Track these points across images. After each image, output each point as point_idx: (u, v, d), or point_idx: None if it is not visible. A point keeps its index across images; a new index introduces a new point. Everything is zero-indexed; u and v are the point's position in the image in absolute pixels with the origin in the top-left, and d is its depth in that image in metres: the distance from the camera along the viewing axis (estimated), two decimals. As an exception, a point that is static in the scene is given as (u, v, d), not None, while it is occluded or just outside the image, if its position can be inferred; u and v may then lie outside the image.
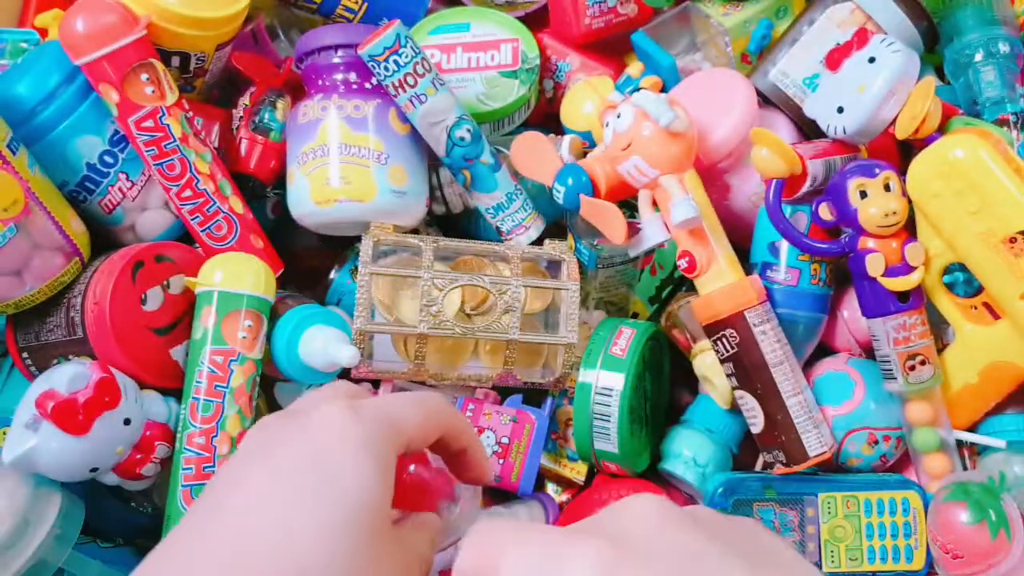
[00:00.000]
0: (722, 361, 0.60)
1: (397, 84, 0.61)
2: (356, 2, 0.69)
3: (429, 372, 0.62)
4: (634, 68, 0.69)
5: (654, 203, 0.58)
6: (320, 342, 0.59)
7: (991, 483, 0.55)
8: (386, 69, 0.60)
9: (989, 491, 0.55)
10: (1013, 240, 0.53)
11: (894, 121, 0.57)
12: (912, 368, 0.58)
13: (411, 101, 0.61)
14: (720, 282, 0.58)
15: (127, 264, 0.57)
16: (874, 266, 0.56)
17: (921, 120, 0.55)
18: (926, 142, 0.56)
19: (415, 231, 0.66)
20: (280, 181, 0.66)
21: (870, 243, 0.57)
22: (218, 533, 0.29)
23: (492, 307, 0.61)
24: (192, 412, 0.56)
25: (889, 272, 0.56)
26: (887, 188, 0.56)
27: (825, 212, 0.58)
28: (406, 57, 0.60)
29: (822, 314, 0.62)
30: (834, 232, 0.60)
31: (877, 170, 0.57)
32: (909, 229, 0.57)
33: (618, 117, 0.57)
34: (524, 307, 0.61)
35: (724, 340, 0.58)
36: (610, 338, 0.63)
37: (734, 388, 0.60)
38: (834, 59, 0.59)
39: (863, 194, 0.56)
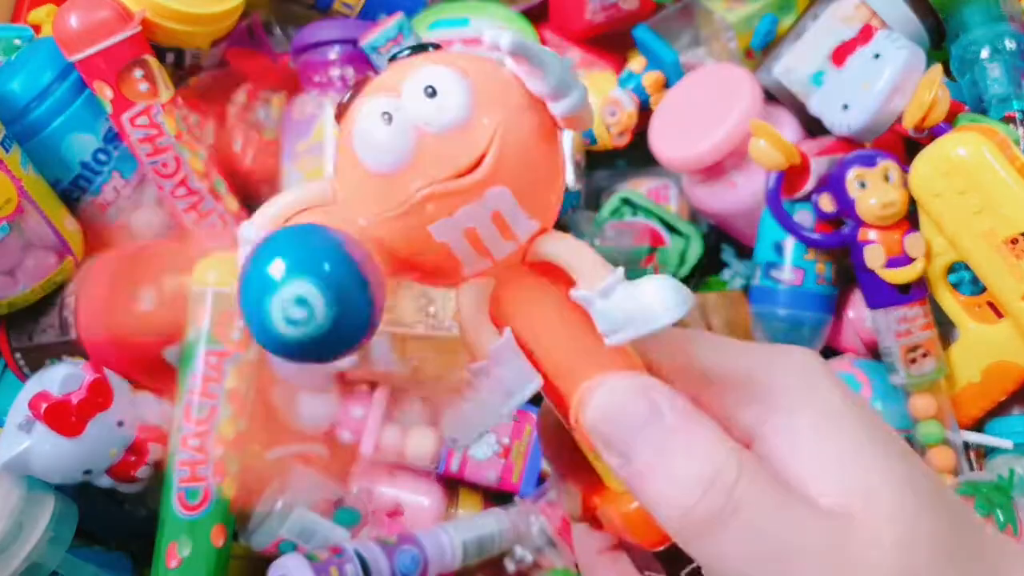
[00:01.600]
0: None
1: (398, 78, 0.60)
2: (354, -3, 0.69)
3: (428, 374, 0.61)
4: (636, 63, 0.68)
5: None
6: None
7: (1001, 480, 0.55)
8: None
9: (999, 488, 0.54)
10: (1015, 241, 0.52)
11: (899, 118, 0.57)
12: (913, 361, 0.57)
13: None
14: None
15: (121, 263, 0.56)
16: (873, 257, 0.56)
17: (928, 108, 0.55)
18: (933, 133, 0.55)
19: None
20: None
21: (870, 234, 0.56)
22: None
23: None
24: (186, 414, 0.55)
25: (889, 263, 0.56)
26: (886, 178, 0.56)
27: (826, 203, 0.58)
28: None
29: (827, 314, 0.62)
30: (837, 223, 0.59)
31: (877, 160, 0.56)
32: (911, 220, 0.57)
33: (430, 95, 0.24)
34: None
35: None
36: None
37: None
38: (839, 55, 0.58)
39: (862, 184, 0.56)
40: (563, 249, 0.25)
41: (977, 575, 0.23)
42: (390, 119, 0.23)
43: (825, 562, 0.22)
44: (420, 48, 0.25)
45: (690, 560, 0.24)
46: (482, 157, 0.23)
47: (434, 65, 0.24)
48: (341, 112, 0.25)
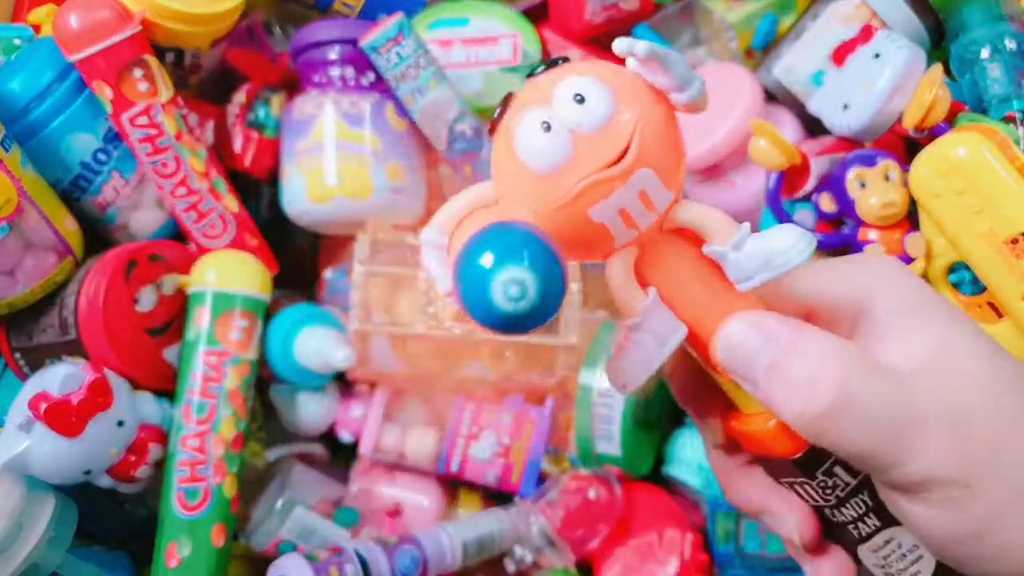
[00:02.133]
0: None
1: (398, 76, 0.60)
2: (354, -3, 0.68)
3: (427, 374, 0.61)
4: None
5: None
6: (315, 343, 0.58)
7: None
8: (387, 61, 0.60)
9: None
10: (1015, 241, 0.52)
11: (900, 118, 0.56)
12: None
13: (412, 94, 0.61)
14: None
15: (120, 263, 0.56)
16: (873, 258, 0.56)
17: (928, 108, 0.55)
18: (933, 133, 0.55)
19: (413, 229, 0.66)
20: (275, 179, 0.65)
21: (870, 234, 0.56)
22: None
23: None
24: (186, 414, 0.55)
25: (890, 263, 0.56)
26: (887, 178, 0.56)
27: (826, 203, 0.58)
28: (408, 49, 0.60)
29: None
30: (837, 224, 0.59)
31: (877, 160, 0.56)
32: (911, 220, 0.57)
33: (579, 101, 0.28)
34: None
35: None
36: (612, 340, 0.62)
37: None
38: (839, 55, 0.58)
39: (862, 184, 0.56)
40: (696, 213, 0.30)
41: None
42: (548, 127, 0.28)
43: (938, 428, 0.27)
44: (553, 64, 0.29)
45: (823, 463, 0.31)
46: (627, 147, 0.28)
47: (576, 76, 0.28)
48: (493, 127, 0.29)
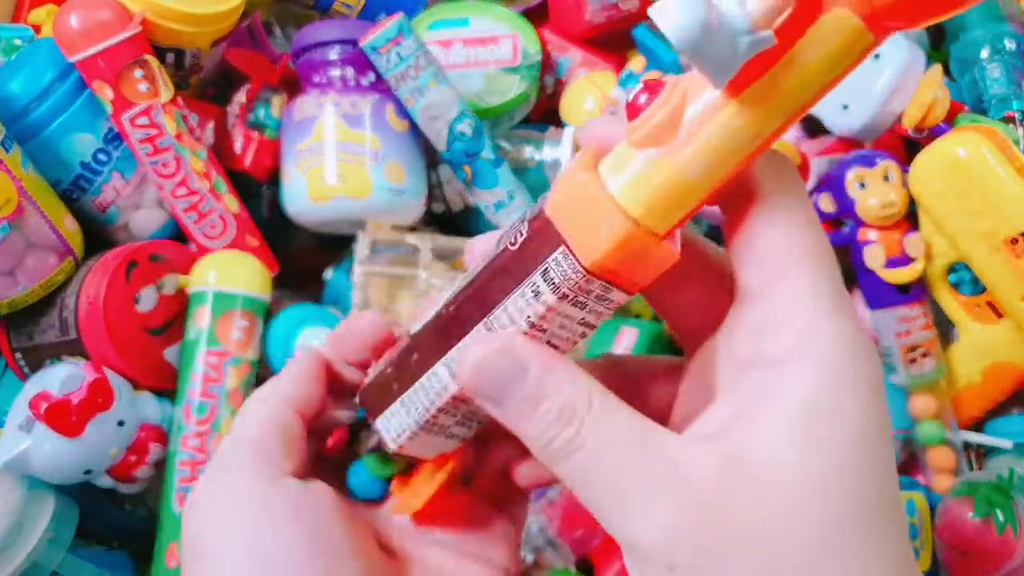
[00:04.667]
0: None
1: (398, 77, 0.60)
2: (354, -3, 0.69)
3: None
4: (636, 64, 0.69)
5: None
6: (316, 343, 0.58)
7: (1000, 480, 0.55)
8: (387, 61, 0.60)
9: (998, 488, 0.54)
10: (1015, 241, 0.52)
11: (899, 118, 0.57)
12: (913, 361, 0.57)
13: (412, 94, 0.61)
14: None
15: (121, 263, 0.56)
16: (872, 258, 0.56)
17: (928, 109, 0.55)
18: (933, 133, 0.56)
19: (413, 230, 0.66)
20: (276, 179, 0.65)
21: (870, 234, 0.56)
22: None
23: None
24: (186, 414, 0.55)
25: (889, 263, 0.56)
26: (886, 178, 0.56)
27: (826, 203, 0.58)
28: (408, 49, 0.60)
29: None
30: (836, 224, 0.59)
31: (877, 160, 0.56)
32: (911, 220, 0.57)
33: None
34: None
35: None
36: (612, 338, 0.62)
37: None
38: (838, 55, 0.58)
39: (862, 184, 0.56)
40: None
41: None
42: None
43: (665, 492, 0.23)
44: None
45: None
46: None
47: None
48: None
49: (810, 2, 0.20)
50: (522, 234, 0.24)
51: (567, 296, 0.24)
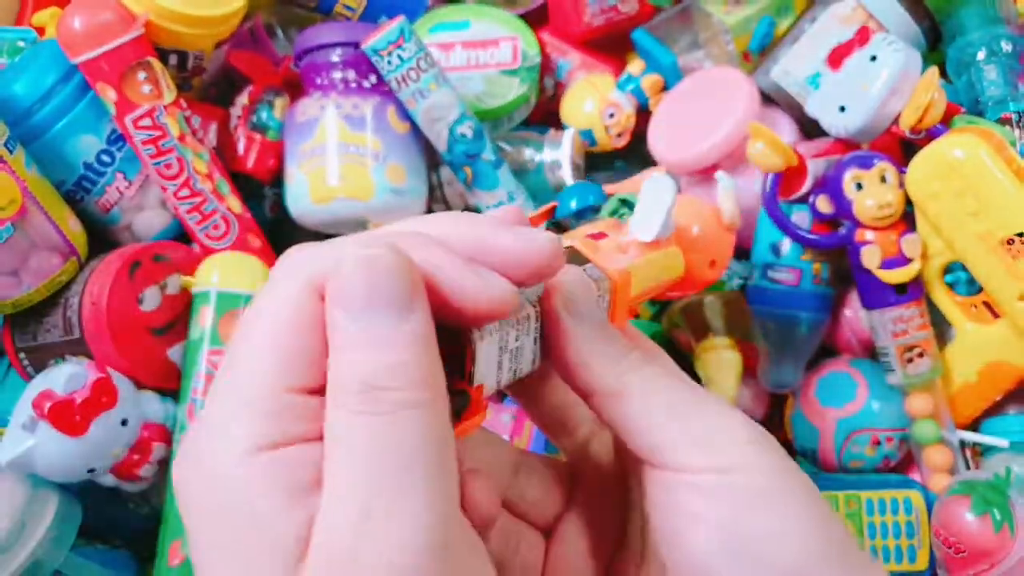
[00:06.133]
0: None
1: (400, 79, 0.60)
2: None
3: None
4: (635, 66, 0.69)
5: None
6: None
7: (997, 479, 0.55)
8: (389, 64, 0.60)
9: (995, 487, 0.55)
10: (1011, 241, 0.53)
11: (896, 120, 0.57)
12: (910, 360, 0.58)
13: (414, 96, 0.61)
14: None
15: (124, 264, 0.57)
16: (869, 258, 0.56)
17: (924, 110, 0.55)
18: (930, 134, 0.56)
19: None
20: (278, 180, 0.66)
21: (867, 235, 0.57)
22: None
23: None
24: (189, 413, 0.56)
25: (886, 264, 0.56)
26: (883, 180, 0.56)
27: (823, 204, 0.58)
28: (409, 52, 0.60)
29: (824, 315, 0.62)
30: (834, 225, 0.59)
31: (874, 161, 0.56)
32: (907, 221, 0.57)
33: None
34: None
35: None
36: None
37: None
38: (836, 58, 0.59)
39: (859, 186, 0.56)
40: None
41: None
42: None
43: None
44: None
45: None
46: None
47: None
48: None
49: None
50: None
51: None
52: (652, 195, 0.32)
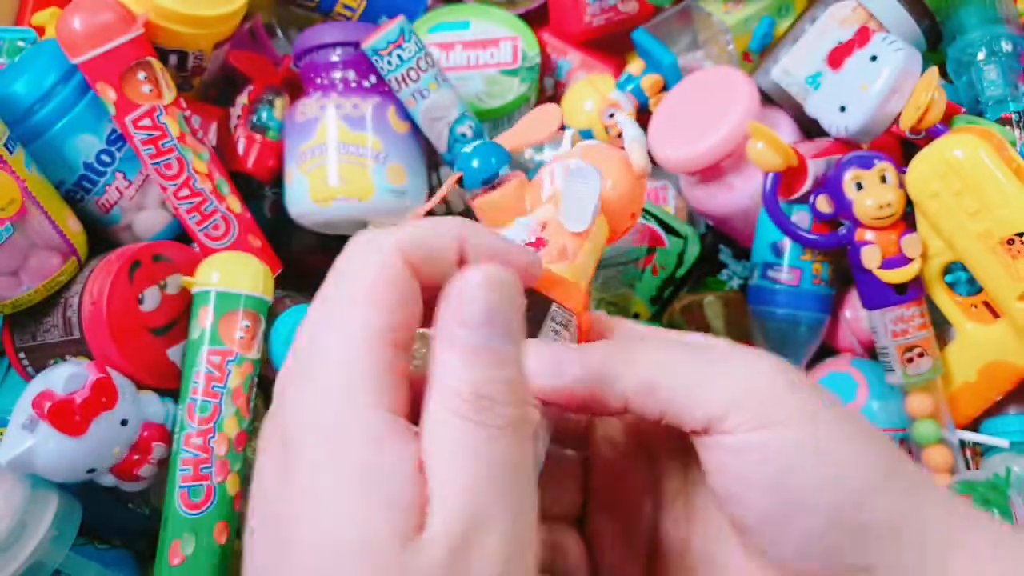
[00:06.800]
0: None
1: (400, 79, 0.61)
2: None
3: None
4: (635, 66, 0.69)
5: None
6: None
7: (997, 479, 0.55)
8: (389, 63, 0.60)
9: (995, 487, 0.55)
10: (1011, 241, 0.53)
11: (896, 120, 0.57)
12: (910, 360, 0.58)
13: (414, 96, 0.61)
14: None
15: (124, 264, 0.56)
16: (869, 258, 0.56)
17: (925, 110, 0.55)
18: (930, 133, 0.56)
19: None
20: (278, 180, 0.66)
21: (867, 235, 0.57)
22: None
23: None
24: (189, 413, 0.56)
25: (886, 264, 0.56)
26: (883, 180, 0.56)
27: (823, 204, 0.58)
28: (409, 52, 0.60)
29: (824, 314, 0.62)
30: (834, 224, 0.59)
31: (874, 161, 0.57)
32: (907, 221, 0.57)
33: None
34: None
35: None
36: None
37: None
38: (836, 58, 0.59)
39: (859, 186, 0.56)
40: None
41: None
42: None
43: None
44: None
45: None
46: None
47: None
48: None
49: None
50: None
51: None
52: (577, 186, 0.32)
